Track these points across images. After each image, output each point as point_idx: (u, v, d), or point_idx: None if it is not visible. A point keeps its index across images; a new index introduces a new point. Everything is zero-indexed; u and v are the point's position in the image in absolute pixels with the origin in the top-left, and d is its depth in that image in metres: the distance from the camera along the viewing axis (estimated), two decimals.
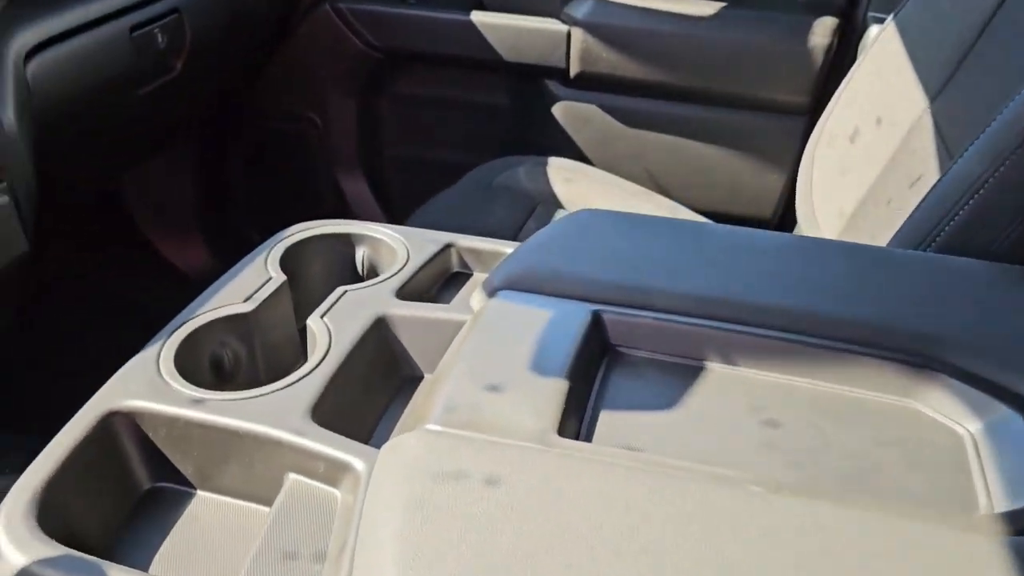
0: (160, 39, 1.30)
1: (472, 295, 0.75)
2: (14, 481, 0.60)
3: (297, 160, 1.85)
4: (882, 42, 1.25)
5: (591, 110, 1.63)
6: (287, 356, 0.80)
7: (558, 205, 1.44)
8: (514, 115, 1.73)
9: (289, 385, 0.65)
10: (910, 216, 0.83)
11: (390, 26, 1.64)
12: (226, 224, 1.96)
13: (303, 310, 0.86)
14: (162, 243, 1.91)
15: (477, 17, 1.59)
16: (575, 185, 1.48)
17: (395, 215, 1.88)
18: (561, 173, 1.50)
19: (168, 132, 1.62)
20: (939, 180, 0.81)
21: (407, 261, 0.82)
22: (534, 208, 1.43)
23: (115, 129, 1.34)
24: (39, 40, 1.09)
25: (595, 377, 0.66)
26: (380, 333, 0.74)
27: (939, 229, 0.78)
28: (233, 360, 0.75)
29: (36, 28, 1.09)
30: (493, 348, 0.64)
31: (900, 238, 0.83)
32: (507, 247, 0.84)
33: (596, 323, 0.68)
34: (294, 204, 1.91)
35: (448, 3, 1.63)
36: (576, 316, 0.68)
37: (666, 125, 1.61)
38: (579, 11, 1.56)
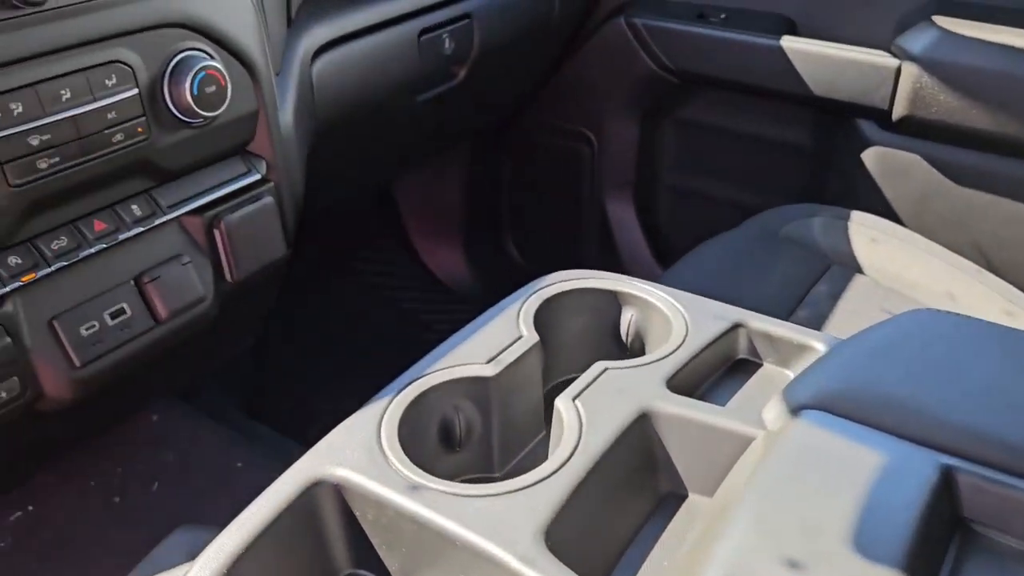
0: (447, 45, 1.25)
1: (767, 406, 0.58)
2: (210, 536, 0.53)
3: (566, 177, 1.75)
4: None
5: (912, 160, 1.37)
6: (527, 429, 0.68)
7: (857, 269, 1.21)
8: (815, 157, 1.51)
9: (525, 488, 0.53)
10: None
11: (687, 47, 1.48)
12: (488, 236, 1.91)
13: (551, 372, 0.73)
14: (424, 248, 1.91)
15: (788, 43, 1.39)
16: (881, 248, 1.24)
17: (660, 249, 1.72)
18: (865, 231, 1.27)
19: (442, 140, 1.58)
20: None
21: (684, 338, 0.67)
22: (827, 269, 1.21)
23: (389, 134, 1.31)
24: (329, 38, 1.06)
25: (940, 566, 0.46)
26: (642, 432, 0.59)
27: None
28: (465, 428, 0.64)
29: (328, 26, 1.06)
30: (795, 498, 0.47)
31: None
32: (815, 340, 0.66)
33: (946, 484, 0.49)
34: (557, 222, 1.82)
35: (755, 25, 1.44)
36: (917, 470, 0.49)
37: (1007, 189, 1.32)
38: (916, 44, 1.31)
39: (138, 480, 1.12)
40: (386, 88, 1.17)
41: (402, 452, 0.56)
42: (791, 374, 0.67)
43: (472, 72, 1.33)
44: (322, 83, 1.06)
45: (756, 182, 1.57)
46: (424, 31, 1.20)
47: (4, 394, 0.72)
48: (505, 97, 1.60)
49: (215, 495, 1.13)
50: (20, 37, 0.67)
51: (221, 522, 0.52)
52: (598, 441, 0.56)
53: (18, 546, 1.04)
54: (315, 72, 1.04)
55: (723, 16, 1.48)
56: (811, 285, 1.18)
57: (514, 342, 0.66)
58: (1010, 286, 1.18)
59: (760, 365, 0.69)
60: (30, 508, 1.08)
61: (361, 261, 1.89)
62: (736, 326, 0.69)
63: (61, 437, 0.91)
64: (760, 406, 0.61)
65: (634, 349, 0.74)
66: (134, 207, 0.80)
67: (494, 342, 0.66)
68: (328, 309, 1.81)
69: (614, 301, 0.74)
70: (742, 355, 0.70)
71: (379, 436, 0.57)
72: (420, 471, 0.55)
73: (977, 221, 1.35)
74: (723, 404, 0.65)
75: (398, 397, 0.61)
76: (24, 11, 0.67)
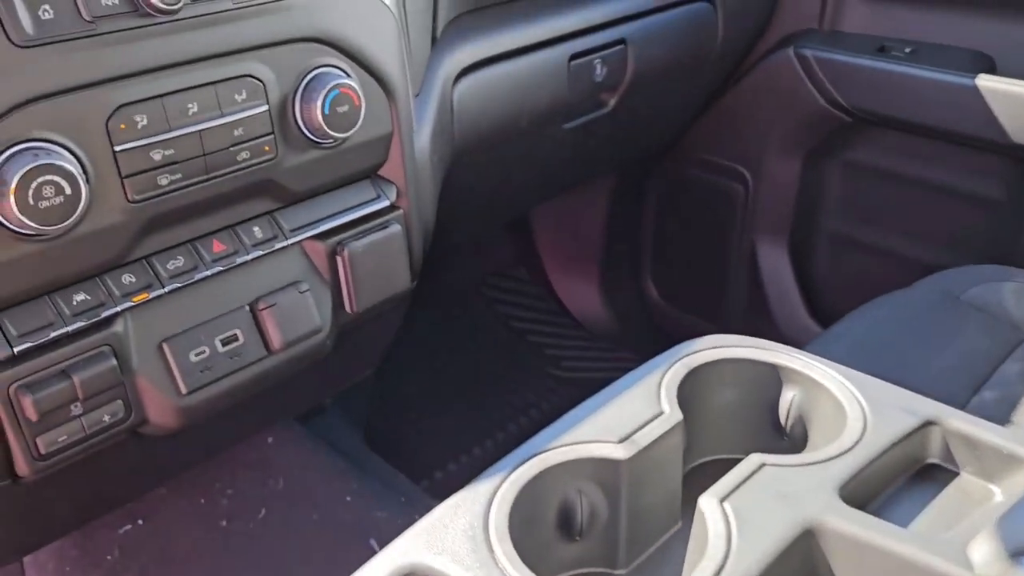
0: (599, 71, 1.17)
1: (974, 540, 0.46)
2: None
3: (716, 217, 1.63)
4: None
5: None
6: (660, 520, 0.58)
7: None
8: (1009, 213, 1.33)
9: None
10: None
11: (864, 83, 1.34)
12: (626, 272, 1.81)
13: (692, 452, 0.63)
14: (557, 279, 1.83)
15: (985, 83, 1.23)
16: None
17: (815, 303, 1.57)
18: None
19: (586, 170, 1.50)
20: None
21: (862, 434, 0.55)
22: (1020, 343, 1.04)
23: (531, 162, 1.24)
24: (475, 60, 1.00)
25: None
26: (806, 552, 0.48)
27: None
28: (588, 515, 0.55)
29: (474, 46, 1.00)
30: None
31: None
32: None
33: None
34: (702, 263, 1.69)
35: (946, 61, 1.28)
36: None
37: None
38: None
39: (246, 505, 1.08)
40: (531, 114, 1.10)
41: (510, 544, 0.48)
42: (997, 491, 0.54)
43: (623, 100, 1.25)
44: (463, 106, 1.00)
45: (935, 237, 1.40)
46: (575, 56, 1.12)
47: (107, 418, 0.68)
48: (656, 128, 1.50)
49: (321, 529, 1.08)
50: (149, 47, 0.64)
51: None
52: (751, 559, 0.46)
53: (124, 560, 1.02)
54: (457, 94, 0.99)
55: (908, 50, 1.33)
56: (1000, 362, 1.02)
57: (653, 419, 0.56)
58: None
59: (955, 474, 0.57)
60: (139, 522, 1.06)
61: (490, 287, 1.83)
62: (928, 423, 0.57)
63: (168, 462, 0.88)
64: (957, 531, 0.49)
65: (794, 436, 0.63)
66: (255, 229, 0.76)
67: (629, 417, 0.56)
68: (453, 335, 1.76)
69: (774, 376, 0.63)
70: (932, 459, 0.57)
71: (487, 521, 0.49)
72: (528, 572, 0.46)
73: None
74: (908, 522, 0.53)
75: (514, 474, 0.52)
76: (155, 20, 0.63)
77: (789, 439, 0.63)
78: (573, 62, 1.12)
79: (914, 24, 1.34)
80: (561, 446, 0.54)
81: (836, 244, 1.53)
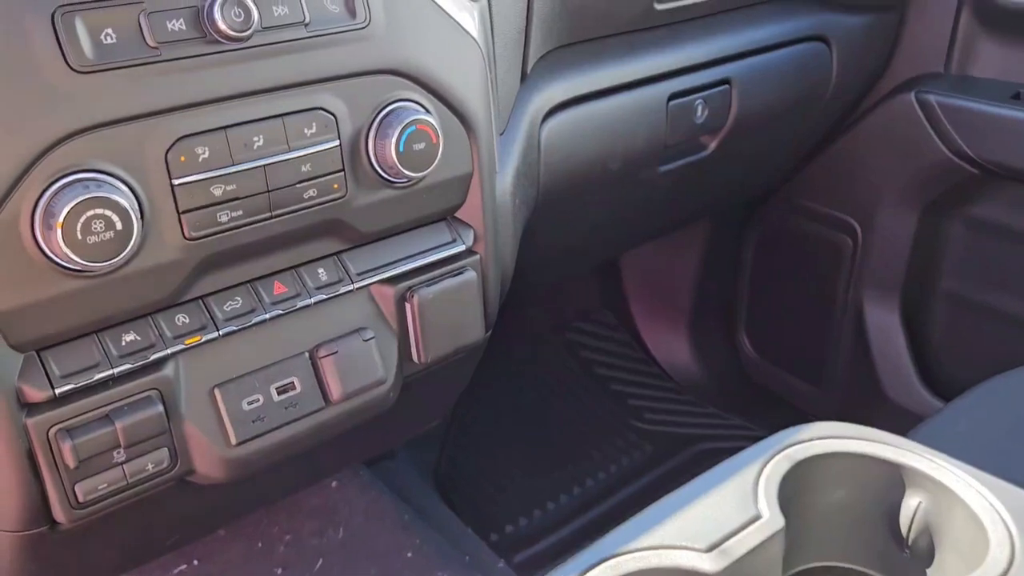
0: (700, 112, 1.09)
1: None
2: None
3: (820, 269, 1.52)
4: None
5: None
6: None
7: None
8: None
9: None
10: None
11: (997, 133, 1.21)
12: (719, 323, 1.71)
13: (792, 558, 0.54)
14: (645, 326, 1.74)
15: None
16: None
17: (929, 370, 1.43)
18: None
19: (681, 214, 1.41)
20: None
21: (1010, 563, 0.45)
22: None
23: (622, 206, 1.16)
24: (566, 98, 0.94)
25: None
26: None
27: None
28: None
29: (566, 83, 0.94)
30: None
31: None
32: None
33: None
34: (802, 318, 1.57)
35: None
36: None
37: None
38: None
39: (303, 554, 1.03)
40: (623, 155, 1.03)
41: None
42: None
43: (725, 143, 1.16)
44: (551, 145, 0.93)
45: None
46: (674, 95, 1.05)
47: (150, 466, 0.64)
48: (758, 172, 1.40)
49: None
50: (215, 75, 0.60)
51: None
52: None
53: None
54: (545, 133, 0.92)
55: None
56: None
57: (749, 524, 0.48)
58: None
59: None
60: (195, 562, 1.02)
61: (572, 331, 1.75)
62: None
63: (219, 510, 0.84)
64: None
65: (918, 550, 0.53)
66: (320, 271, 0.71)
67: (721, 519, 0.48)
68: (530, 378, 1.68)
69: (895, 476, 0.53)
70: None
71: None
72: None
73: None
74: None
75: None
76: (224, 47, 0.59)
77: (911, 552, 0.54)
78: (672, 102, 1.05)
79: None
80: (639, 550, 0.46)
81: (955, 307, 1.40)
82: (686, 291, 1.70)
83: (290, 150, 0.64)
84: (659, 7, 1.01)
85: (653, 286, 1.74)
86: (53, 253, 0.55)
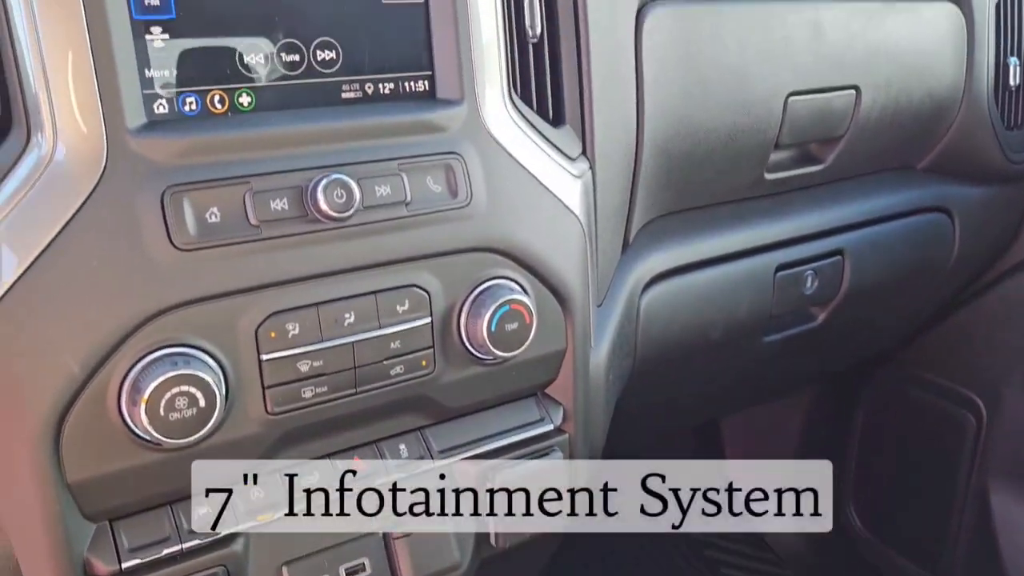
0: (810, 283, 1.04)
1: None
2: None
3: (937, 448, 1.40)
4: None
5: None
6: None
7: None
8: None
9: None
10: None
11: None
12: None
13: None
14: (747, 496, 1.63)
15: None
16: None
17: None
18: None
19: (786, 384, 1.34)
20: None
21: None
22: None
23: (723, 376, 1.11)
24: (668, 267, 0.91)
25: None
26: None
27: None
28: None
29: (668, 253, 0.92)
30: None
31: None
32: None
33: None
34: (918, 501, 1.45)
35: None
36: None
37: None
38: None
39: None
40: (726, 326, 0.99)
41: None
42: None
43: (835, 314, 1.11)
44: (650, 317, 0.90)
45: None
46: (782, 267, 1.01)
47: None
48: (872, 341, 1.33)
49: None
50: (312, 253, 0.60)
51: None
52: None
53: None
54: (644, 304, 0.89)
55: None
56: None
57: None
58: None
59: None
60: None
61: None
62: None
63: None
64: None
65: None
66: (401, 447, 0.69)
67: None
68: (617, 539, 1.59)
69: None
70: None
71: None
72: None
73: None
74: None
75: None
76: (324, 226, 0.59)
77: None
78: (780, 273, 1.01)
79: None
80: None
81: None
82: (788, 455, 1.60)
83: (380, 327, 0.63)
84: (769, 176, 0.99)
85: (754, 451, 1.65)
86: (136, 427, 0.55)
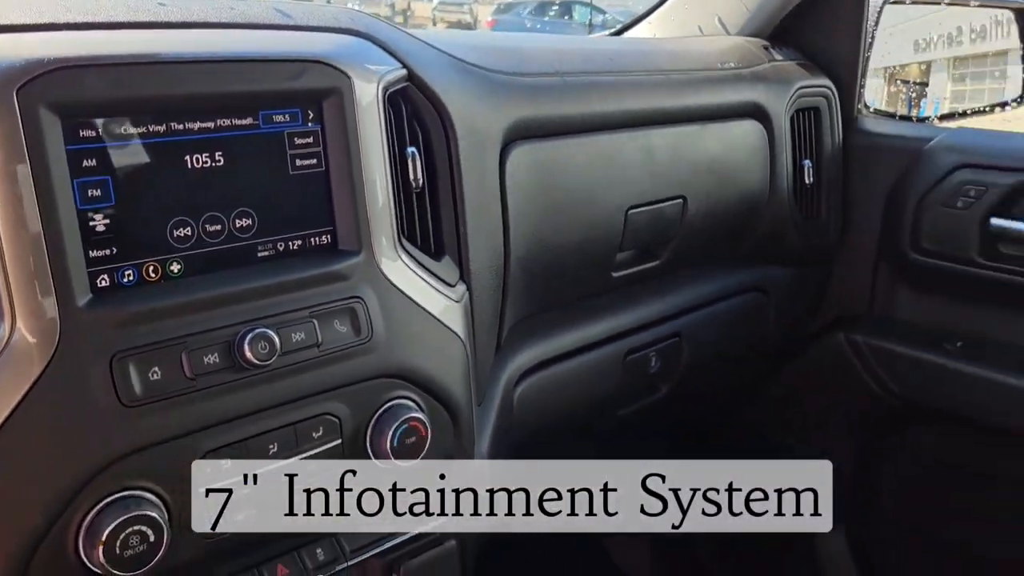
0: (654, 363, 1.21)
1: None
2: None
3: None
4: None
5: None
6: None
7: None
8: None
9: None
10: None
11: (918, 374, 1.36)
12: (684, 542, 1.77)
13: None
14: (611, 543, 1.80)
15: None
16: None
17: None
18: None
19: (639, 446, 1.52)
20: None
21: None
22: None
23: (585, 448, 1.27)
24: (534, 363, 1.06)
25: None
26: None
27: None
28: None
29: (534, 349, 1.06)
30: None
31: None
32: None
33: None
34: (761, 545, 1.65)
35: (1002, 362, 1.30)
36: None
37: None
38: None
39: None
40: (587, 407, 1.14)
41: None
42: None
43: (677, 386, 1.28)
44: (523, 406, 1.04)
45: (1010, 531, 1.36)
46: (631, 351, 1.17)
47: None
48: (709, 408, 1.53)
49: None
50: (241, 396, 0.70)
51: None
52: None
53: None
54: (517, 396, 1.03)
55: (959, 344, 1.35)
56: None
57: None
58: None
59: None
60: None
61: (543, 547, 1.81)
62: None
63: None
64: None
65: None
66: (318, 552, 0.79)
67: None
68: None
69: None
70: None
71: None
72: None
73: None
74: None
75: None
76: (250, 372, 0.70)
77: None
78: (628, 357, 1.17)
79: (968, 318, 1.37)
80: None
81: (899, 532, 1.49)
82: None
83: (299, 452, 0.74)
84: (616, 275, 1.15)
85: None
86: (94, 566, 0.63)
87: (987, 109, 1.59)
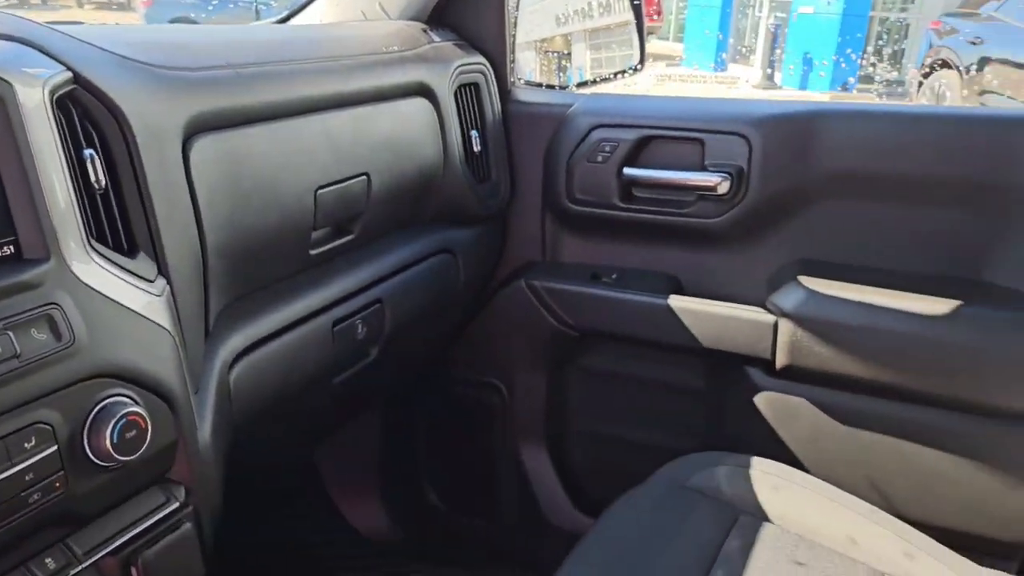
0: (360, 330, 1.31)
1: None
2: None
3: (479, 428, 1.80)
4: None
5: (800, 404, 1.48)
6: None
7: (764, 518, 1.27)
8: (713, 401, 1.60)
9: None
10: None
11: (585, 306, 1.60)
12: (407, 487, 1.91)
13: None
14: (343, 502, 1.88)
15: (677, 303, 1.52)
16: (784, 495, 1.31)
17: (578, 495, 1.75)
18: (767, 479, 1.34)
19: (358, 407, 1.62)
20: None
21: None
22: (736, 520, 1.26)
23: (308, 417, 1.33)
24: (247, 344, 1.10)
25: None
26: None
27: None
28: None
29: (245, 332, 1.10)
30: None
31: None
32: None
33: None
34: (475, 472, 1.84)
35: (645, 284, 1.57)
36: None
37: (888, 427, 1.43)
38: (787, 302, 1.45)
39: None
40: (302, 380, 1.21)
41: None
42: None
43: (385, 348, 1.39)
44: (240, 388, 1.08)
45: (663, 425, 1.65)
46: (337, 321, 1.26)
47: None
48: (417, 361, 1.66)
49: None
50: None
51: None
52: None
53: None
54: (233, 379, 1.07)
55: (614, 276, 1.61)
56: (723, 541, 1.22)
57: None
58: (907, 526, 1.25)
59: None
60: None
61: (287, 517, 1.85)
62: None
63: None
64: None
65: None
66: (48, 561, 0.79)
67: None
68: (251, 572, 1.74)
69: None
70: None
71: None
72: None
73: (866, 459, 1.45)
74: None
75: None
76: None
77: None
78: (336, 327, 1.25)
79: (618, 253, 1.63)
80: None
81: (588, 440, 1.75)
82: (373, 465, 1.89)
83: (13, 466, 0.73)
84: (314, 252, 1.22)
85: (343, 467, 1.90)
86: None
87: (612, 76, 1.87)
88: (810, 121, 1.44)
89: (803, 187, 1.47)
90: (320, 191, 1.18)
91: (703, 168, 1.50)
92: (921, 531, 1.24)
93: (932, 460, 1.41)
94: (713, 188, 1.49)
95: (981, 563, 1.20)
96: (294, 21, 1.64)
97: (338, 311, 1.26)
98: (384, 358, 1.40)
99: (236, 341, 1.09)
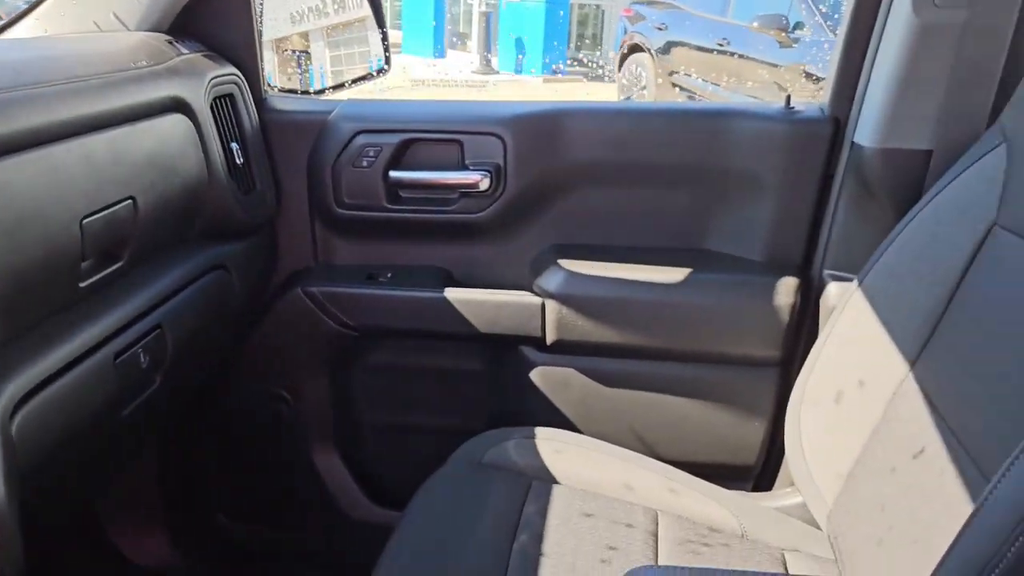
0: (143, 359, 1.26)
1: None
2: None
3: (268, 439, 1.79)
4: (852, 306, 1.32)
5: (569, 374, 1.65)
6: None
7: (553, 481, 1.41)
8: (494, 382, 1.73)
9: None
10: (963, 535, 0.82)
11: (363, 306, 1.65)
12: (195, 513, 1.85)
13: None
14: (122, 540, 1.78)
15: (451, 294, 1.62)
16: (566, 456, 1.47)
17: (375, 489, 1.81)
18: (550, 444, 1.49)
19: (148, 435, 1.55)
20: (981, 504, 0.80)
21: None
22: (529, 487, 1.39)
23: (99, 456, 1.27)
24: (24, 392, 1.04)
25: None
26: None
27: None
28: None
29: (21, 379, 1.04)
30: None
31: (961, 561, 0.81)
32: None
33: None
34: (267, 483, 1.83)
35: (419, 280, 1.66)
36: None
37: (644, 384, 1.64)
38: (550, 284, 1.61)
39: None
40: (89, 418, 1.15)
41: None
42: None
43: (168, 374, 1.35)
44: (23, 436, 1.02)
45: (449, 410, 1.75)
46: (119, 353, 1.21)
47: None
48: (201, 380, 1.62)
49: None
50: None
51: None
52: None
53: None
54: (15, 429, 1.01)
55: (389, 275, 1.68)
56: (522, 507, 1.34)
57: None
58: (668, 466, 1.46)
59: None
60: None
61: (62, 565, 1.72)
62: None
63: None
64: None
65: None
66: None
67: None
68: None
69: None
70: None
71: None
72: None
73: (630, 414, 1.65)
74: None
75: None
76: None
77: None
78: (119, 359, 1.21)
79: (391, 252, 1.70)
80: None
81: (379, 434, 1.80)
82: (154, 496, 1.81)
83: None
84: (83, 284, 1.17)
85: (121, 502, 1.80)
86: None
87: (350, 84, 1.90)
88: (556, 119, 1.60)
89: (554, 178, 1.62)
90: (86, 220, 1.13)
91: (464, 167, 1.61)
92: (679, 468, 1.45)
93: (683, 407, 1.64)
94: (475, 185, 1.60)
95: (727, 487, 1.43)
96: (11, 33, 1.51)
97: (118, 342, 1.21)
98: (170, 382, 1.36)
99: (14, 388, 1.02)
